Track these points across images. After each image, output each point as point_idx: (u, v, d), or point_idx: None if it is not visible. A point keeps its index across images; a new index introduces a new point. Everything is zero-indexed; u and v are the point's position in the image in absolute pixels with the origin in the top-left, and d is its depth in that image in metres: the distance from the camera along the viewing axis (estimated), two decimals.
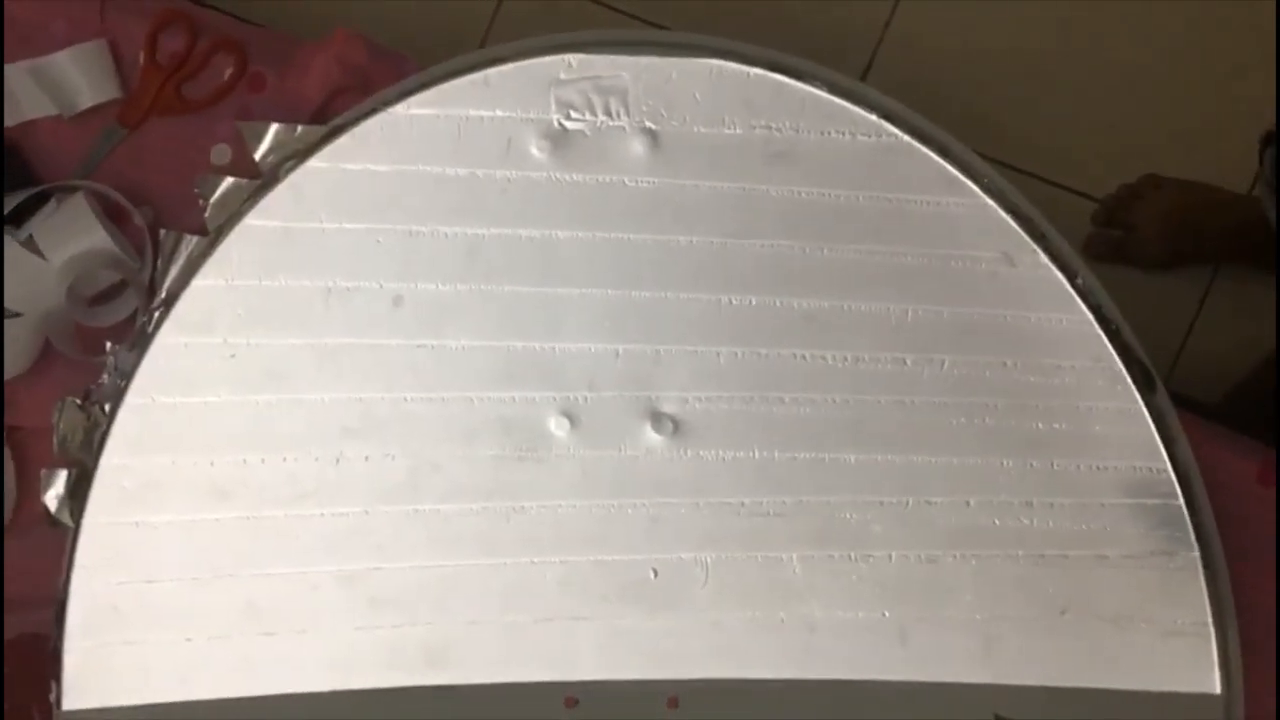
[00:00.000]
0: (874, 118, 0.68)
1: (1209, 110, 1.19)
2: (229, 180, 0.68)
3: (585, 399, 0.67)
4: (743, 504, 0.67)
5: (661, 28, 1.18)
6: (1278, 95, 0.81)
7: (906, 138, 0.68)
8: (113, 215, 0.72)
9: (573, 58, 0.68)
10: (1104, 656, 0.66)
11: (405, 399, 0.67)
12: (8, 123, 0.73)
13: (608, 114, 0.68)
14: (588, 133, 0.68)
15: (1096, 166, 1.19)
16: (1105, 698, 0.65)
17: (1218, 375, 1.06)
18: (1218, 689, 0.65)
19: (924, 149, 0.68)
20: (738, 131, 0.68)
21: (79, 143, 0.73)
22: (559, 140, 0.68)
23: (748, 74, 0.68)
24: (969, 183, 0.67)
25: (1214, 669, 0.65)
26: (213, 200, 0.68)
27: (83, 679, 0.66)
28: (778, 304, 0.68)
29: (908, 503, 0.67)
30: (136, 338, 0.68)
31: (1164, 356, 1.16)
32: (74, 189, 0.72)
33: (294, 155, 0.68)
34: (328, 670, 0.66)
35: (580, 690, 0.66)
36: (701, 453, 0.67)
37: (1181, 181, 1.15)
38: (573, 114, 0.68)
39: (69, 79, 0.72)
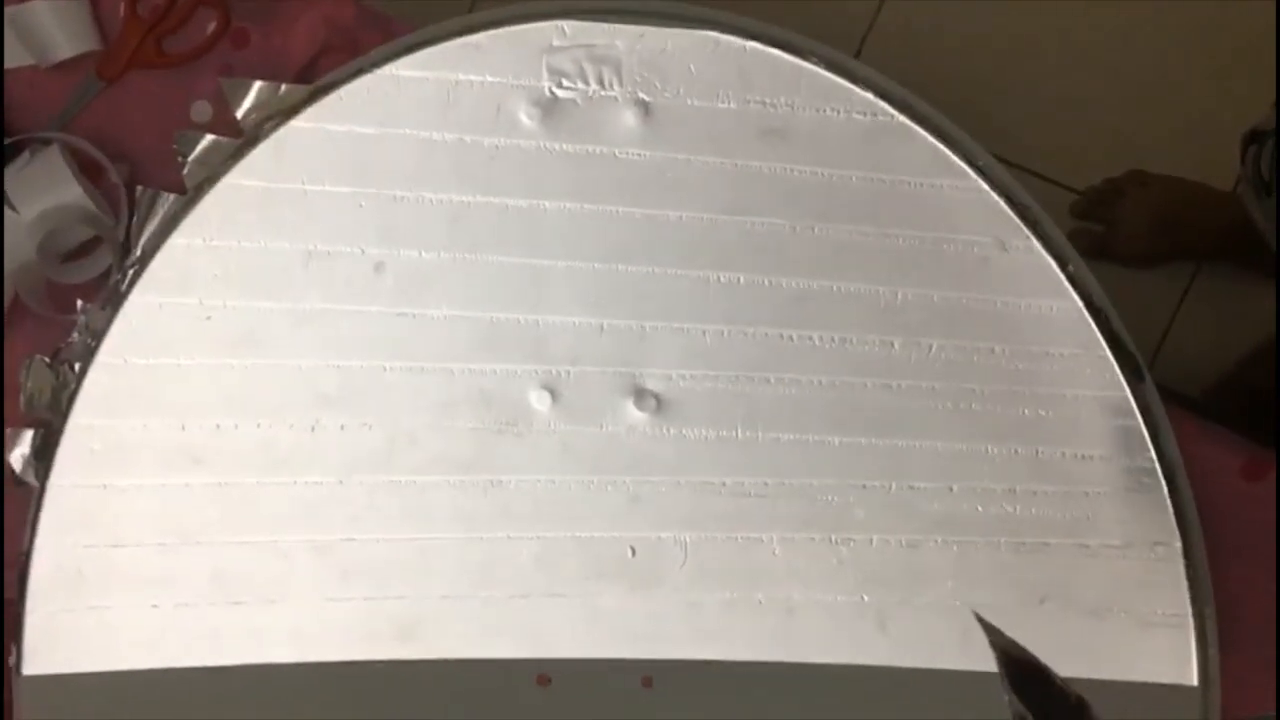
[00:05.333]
0: (870, 96, 0.67)
1: (1195, 107, 1.20)
2: (209, 138, 0.67)
3: (568, 373, 0.66)
4: (724, 484, 0.66)
5: None
6: (1278, 94, 0.81)
7: (902, 118, 0.67)
8: (88, 170, 0.70)
9: (566, 25, 0.67)
10: (1082, 646, 0.65)
11: (384, 368, 0.66)
12: None
13: (600, 84, 0.67)
14: (579, 102, 0.67)
15: (1082, 160, 1.19)
16: (1082, 687, 0.65)
17: (1197, 372, 1.07)
18: (1195, 681, 0.65)
19: (920, 130, 0.67)
20: (732, 106, 0.67)
21: (55, 94, 0.71)
22: (549, 109, 0.67)
23: (744, 48, 0.67)
24: (964, 166, 0.67)
25: (1191, 662, 0.65)
26: (192, 158, 0.67)
27: (44, 644, 0.65)
28: (766, 283, 0.67)
29: (890, 487, 0.66)
30: (109, 296, 0.66)
31: (1143, 352, 1.16)
32: (48, 141, 0.70)
33: (277, 114, 0.67)
34: (297, 641, 0.65)
35: (554, 668, 0.65)
36: (684, 431, 0.66)
37: (1166, 178, 1.15)
38: (564, 82, 0.67)
39: (46, 29, 0.70)
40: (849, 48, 1.23)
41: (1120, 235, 1.15)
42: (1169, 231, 1.14)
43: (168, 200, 0.67)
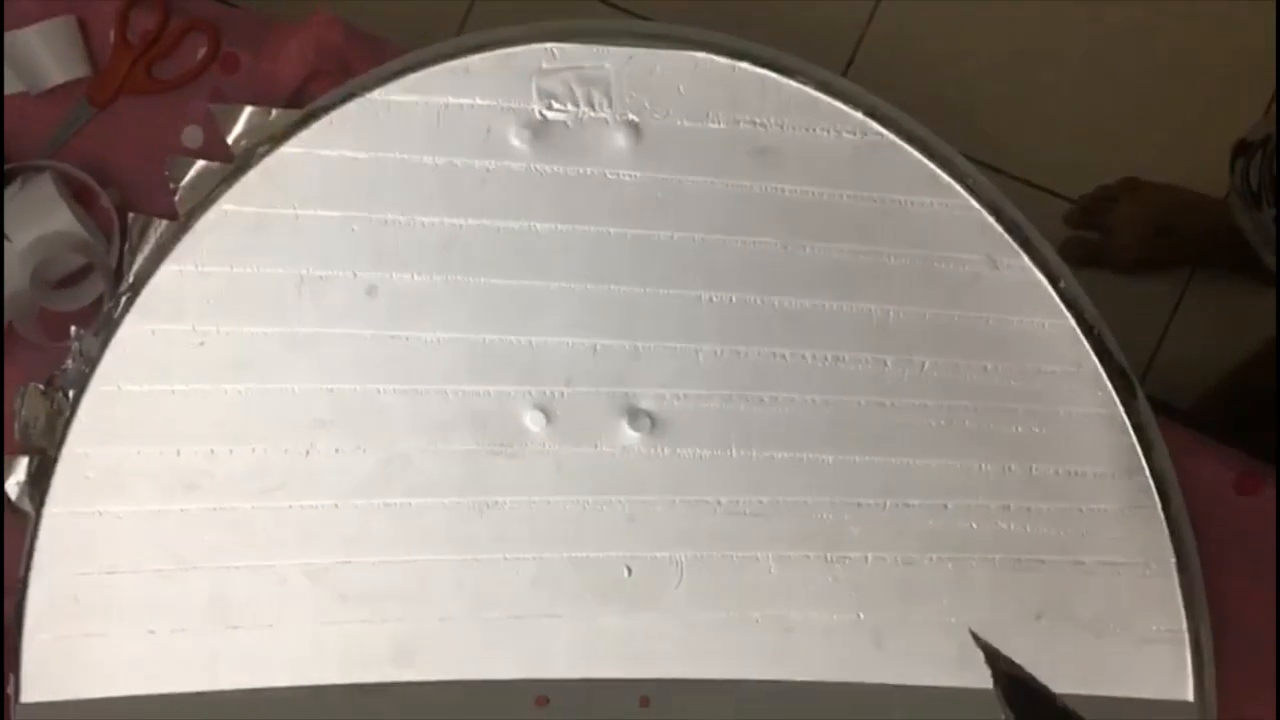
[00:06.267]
0: (860, 115, 0.67)
1: (1188, 115, 1.20)
2: (201, 164, 0.67)
3: (561, 394, 0.66)
4: (719, 503, 0.66)
5: (644, 19, 1.17)
6: (1277, 100, 0.81)
7: (892, 137, 0.67)
8: (79, 196, 0.70)
9: (555, 47, 0.67)
10: (1078, 662, 0.66)
11: (378, 391, 0.66)
12: None
13: (590, 105, 0.67)
14: (569, 124, 0.67)
15: (1076, 169, 1.19)
16: (1079, 703, 0.64)
17: (1192, 380, 1.06)
18: (1190, 696, 0.65)
19: (909, 149, 0.67)
20: (721, 126, 0.67)
21: (46, 121, 0.71)
22: (540, 131, 0.67)
23: (733, 68, 0.67)
24: (954, 184, 0.67)
25: (1187, 677, 0.65)
26: (184, 184, 0.67)
27: (43, 671, 0.65)
28: (758, 302, 0.67)
29: (885, 504, 0.66)
30: (102, 323, 0.66)
31: (1138, 361, 1.16)
32: (40, 169, 0.70)
33: (268, 140, 0.67)
34: (294, 666, 0.65)
35: (552, 689, 0.65)
36: (679, 450, 0.66)
37: (1159, 185, 1.15)
38: (554, 104, 0.67)
39: (37, 55, 0.70)
40: (842, 56, 1.23)
41: (1115, 242, 1.15)
42: (1163, 238, 1.14)
43: (160, 226, 0.67)
